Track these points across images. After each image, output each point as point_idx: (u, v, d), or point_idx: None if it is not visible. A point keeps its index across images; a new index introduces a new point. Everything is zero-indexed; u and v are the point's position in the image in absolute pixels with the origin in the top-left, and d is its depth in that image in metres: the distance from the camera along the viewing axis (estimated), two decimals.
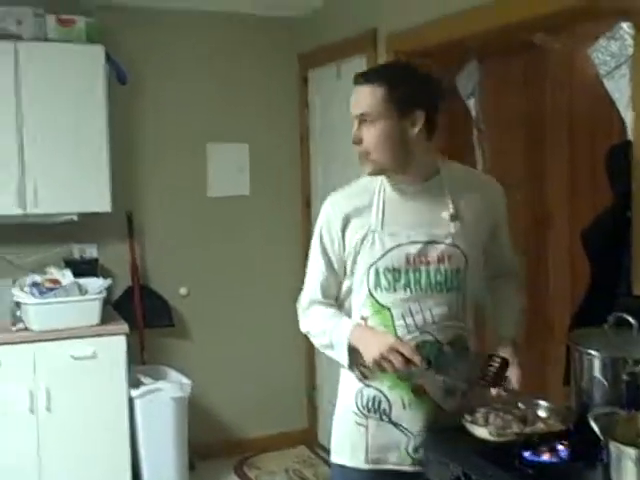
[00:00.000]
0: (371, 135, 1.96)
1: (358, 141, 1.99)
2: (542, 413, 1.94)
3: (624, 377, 1.81)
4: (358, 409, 2.07)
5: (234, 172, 4.37)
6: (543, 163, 3.70)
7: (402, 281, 1.98)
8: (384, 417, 2.04)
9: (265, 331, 4.44)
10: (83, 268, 3.90)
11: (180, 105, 4.22)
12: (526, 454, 1.76)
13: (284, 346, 4.44)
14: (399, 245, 1.98)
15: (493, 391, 1.97)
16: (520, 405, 1.96)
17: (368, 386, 2.05)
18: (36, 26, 3.66)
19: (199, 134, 4.27)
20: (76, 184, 3.76)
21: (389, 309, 2.00)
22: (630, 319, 1.91)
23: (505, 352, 2.01)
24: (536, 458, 1.76)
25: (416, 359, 1.89)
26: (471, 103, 3.38)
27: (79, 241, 4.04)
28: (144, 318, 4.07)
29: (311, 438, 4.54)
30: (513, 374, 1.99)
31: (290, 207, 4.49)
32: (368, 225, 2.00)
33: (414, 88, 1.97)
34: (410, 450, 2.03)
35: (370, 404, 2.05)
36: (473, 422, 1.88)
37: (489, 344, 2.12)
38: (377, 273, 1.99)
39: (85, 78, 3.76)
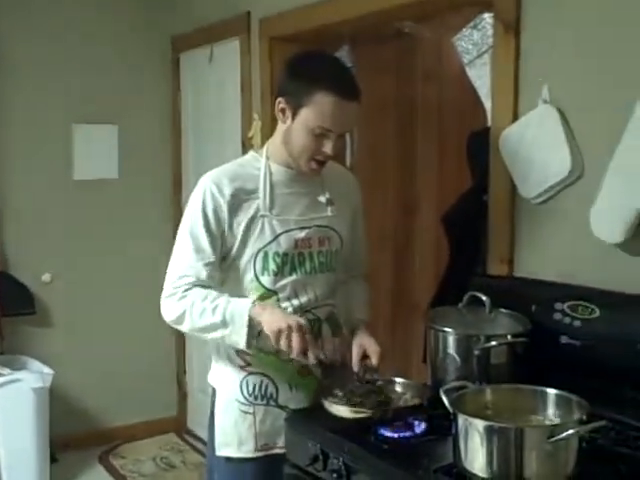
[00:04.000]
0: (341, 145, 2.02)
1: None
2: (399, 389, 1.98)
3: (475, 353, 1.87)
4: (244, 397, 2.05)
5: (102, 154, 4.21)
6: (413, 149, 3.77)
7: (289, 265, 2.01)
8: (271, 402, 2.05)
9: (132, 318, 4.32)
10: None
11: (45, 84, 4.02)
12: (382, 430, 1.80)
13: (152, 333, 4.29)
14: (288, 230, 2.00)
15: (355, 367, 2.03)
16: (378, 382, 2.00)
17: (253, 373, 2.04)
18: None
19: (65, 114, 4.08)
20: None
21: (275, 292, 2.01)
22: (482, 297, 1.97)
23: (363, 333, 2.08)
24: (391, 433, 1.79)
25: (311, 355, 1.88)
26: None
27: None
28: (2, 306, 3.86)
29: (180, 425, 4.48)
30: (372, 352, 2.03)
31: (160, 191, 4.38)
32: (255, 208, 1.99)
33: None
34: None
35: (257, 390, 2.04)
36: (331, 400, 1.89)
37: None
38: (266, 258, 1.99)
39: None
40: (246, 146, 3.56)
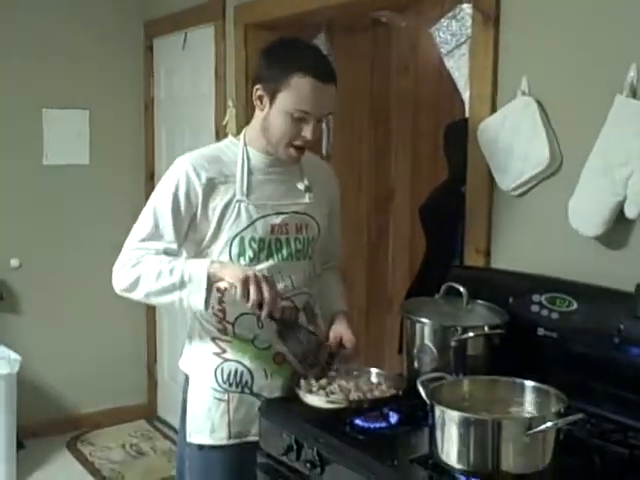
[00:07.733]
0: (320, 130, 1.98)
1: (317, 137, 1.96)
2: (374, 380, 1.97)
3: (452, 344, 1.86)
4: (218, 384, 2.03)
5: (73, 140, 4.14)
6: (387, 139, 3.77)
7: (266, 251, 1.98)
8: (246, 389, 2.03)
9: (103, 304, 4.21)
10: None
11: (14, 68, 3.94)
12: (357, 420, 1.78)
13: (123, 319, 4.27)
14: (265, 216, 1.98)
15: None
16: (354, 373, 1.99)
17: (228, 360, 2.02)
18: None
19: (35, 99, 4.01)
20: None
21: None
22: (460, 288, 1.96)
23: (341, 323, 2.07)
24: (366, 424, 1.78)
25: (278, 307, 1.86)
26: None
27: None
28: None
29: (150, 412, 4.43)
30: (348, 341, 2.03)
31: (132, 177, 4.32)
32: (232, 193, 1.97)
33: None
34: None
35: (232, 378, 2.02)
36: (306, 390, 1.87)
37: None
38: (242, 243, 1.97)
39: None
40: (220, 133, 3.52)
